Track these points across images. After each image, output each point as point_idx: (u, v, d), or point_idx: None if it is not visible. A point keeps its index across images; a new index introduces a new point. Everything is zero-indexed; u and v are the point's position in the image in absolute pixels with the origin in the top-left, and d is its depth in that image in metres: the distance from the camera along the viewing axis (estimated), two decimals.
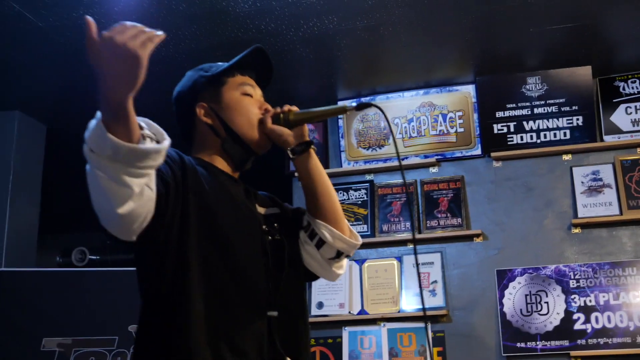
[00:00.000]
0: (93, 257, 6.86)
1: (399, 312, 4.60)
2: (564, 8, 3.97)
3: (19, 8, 3.73)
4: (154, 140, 1.45)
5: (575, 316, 4.31)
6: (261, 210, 1.89)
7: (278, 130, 1.89)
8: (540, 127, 4.69)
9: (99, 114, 1.37)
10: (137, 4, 3.73)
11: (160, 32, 1.35)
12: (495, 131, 4.75)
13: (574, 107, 4.66)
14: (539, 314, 4.37)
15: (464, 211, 4.70)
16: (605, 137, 4.62)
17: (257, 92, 1.96)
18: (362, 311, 4.67)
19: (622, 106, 4.66)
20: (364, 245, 4.74)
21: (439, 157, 4.84)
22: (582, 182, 4.55)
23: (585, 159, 4.63)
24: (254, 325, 1.68)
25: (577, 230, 4.50)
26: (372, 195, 4.90)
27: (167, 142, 1.46)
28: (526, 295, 4.43)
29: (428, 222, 4.73)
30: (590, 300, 4.32)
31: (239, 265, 1.70)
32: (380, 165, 4.93)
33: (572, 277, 4.39)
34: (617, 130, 4.63)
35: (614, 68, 4.69)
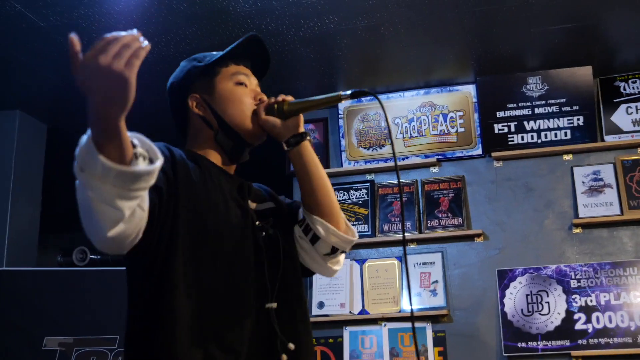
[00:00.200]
0: (94, 256, 6.86)
1: (399, 312, 4.60)
2: (564, 8, 3.97)
3: (20, 8, 3.73)
4: (147, 158, 1.38)
5: (576, 316, 4.31)
6: (255, 205, 1.84)
7: (271, 122, 1.85)
8: (541, 127, 4.69)
9: (89, 131, 1.30)
10: (138, 4, 3.73)
11: (145, 42, 1.27)
12: (496, 131, 4.75)
13: (574, 107, 4.66)
14: (540, 314, 4.37)
15: (464, 211, 4.70)
16: (606, 137, 4.62)
17: (252, 82, 1.92)
18: (362, 311, 4.67)
19: (623, 106, 4.66)
20: (365, 245, 4.76)
21: (440, 157, 4.84)
22: (583, 182, 4.55)
23: (586, 159, 4.63)
24: (246, 321, 1.65)
25: (578, 230, 4.50)
26: (372, 195, 4.90)
27: (159, 162, 1.38)
28: (527, 295, 4.43)
29: (429, 222, 4.73)
30: (591, 300, 4.32)
31: (228, 262, 1.67)
32: (381, 165, 4.93)
33: (573, 277, 4.39)
34: (618, 130, 4.63)
35: (615, 68, 4.69)
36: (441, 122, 4.88)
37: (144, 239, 1.48)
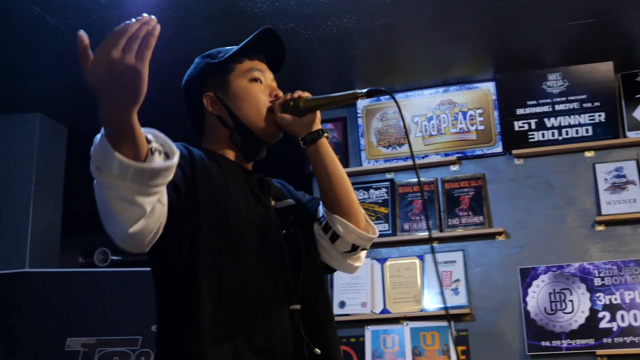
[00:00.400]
0: (115, 257, 6.90)
1: (421, 311, 4.58)
2: (584, 3, 3.93)
3: (39, 10, 3.75)
4: (162, 153, 1.37)
5: (600, 314, 4.27)
6: (275, 203, 1.83)
7: (287, 119, 1.81)
8: (562, 124, 4.65)
9: (102, 130, 1.29)
10: (155, 5, 3.74)
11: (154, 24, 1.24)
12: (516, 128, 4.71)
13: (595, 104, 4.61)
14: (564, 313, 4.33)
15: (485, 209, 4.67)
16: (628, 133, 4.57)
17: (268, 77, 1.89)
18: (384, 310, 4.65)
19: None
20: (385, 244, 4.74)
21: (460, 155, 4.82)
22: (605, 179, 4.51)
23: (608, 155, 4.58)
24: (275, 321, 1.64)
25: (600, 228, 4.46)
26: (392, 193, 4.88)
27: (176, 156, 1.38)
28: (550, 294, 4.39)
29: (449, 220, 4.71)
30: (615, 299, 4.28)
31: (253, 261, 1.66)
32: (401, 163, 4.91)
33: (597, 275, 4.35)
34: None
35: (636, 63, 4.64)
36: (461, 120, 4.85)
37: (165, 236, 1.47)
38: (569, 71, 4.68)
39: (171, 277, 1.59)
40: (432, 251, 1.74)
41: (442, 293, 1.65)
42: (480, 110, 4.83)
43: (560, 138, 4.64)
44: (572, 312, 4.33)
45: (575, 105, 4.64)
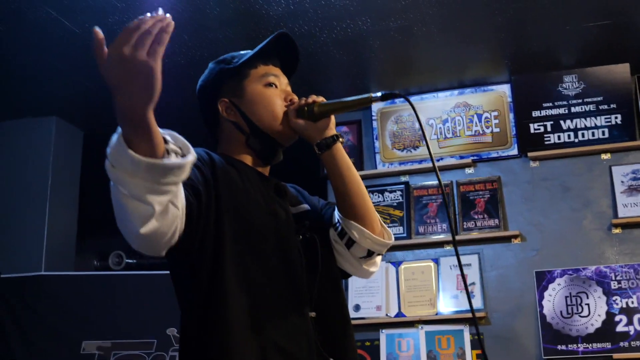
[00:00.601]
0: (130, 260, 6.91)
1: (436, 314, 4.56)
2: (600, 4, 3.92)
3: (56, 14, 3.77)
4: (179, 154, 1.36)
5: (617, 318, 4.24)
6: (292, 208, 1.83)
7: (302, 124, 1.81)
8: (578, 126, 4.62)
9: (119, 128, 1.29)
10: (171, 8, 3.75)
11: (167, 19, 1.22)
12: (532, 131, 4.69)
13: (612, 105, 4.58)
14: (580, 316, 4.30)
15: (501, 212, 4.65)
16: None
17: (283, 81, 1.89)
18: (399, 314, 4.64)
19: None
20: (400, 247, 4.73)
21: (475, 157, 4.80)
22: (622, 182, 4.48)
23: (625, 157, 4.55)
24: (299, 326, 1.64)
25: (617, 231, 4.43)
26: (407, 196, 4.87)
27: (191, 157, 1.36)
28: (566, 297, 4.36)
29: (465, 223, 4.69)
30: (632, 302, 4.25)
31: (277, 267, 1.66)
32: (416, 166, 4.90)
33: (613, 278, 4.32)
34: None
35: None
36: (476, 123, 4.83)
37: (185, 241, 1.47)
38: (585, 73, 4.65)
39: (196, 280, 1.58)
40: (456, 251, 1.71)
41: (467, 294, 1.63)
42: (495, 113, 4.81)
43: (576, 140, 4.61)
44: (588, 315, 4.30)
45: (591, 107, 4.61)
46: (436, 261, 4.69)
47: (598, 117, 4.60)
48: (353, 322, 1.87)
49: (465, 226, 4.68)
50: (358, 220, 1.84)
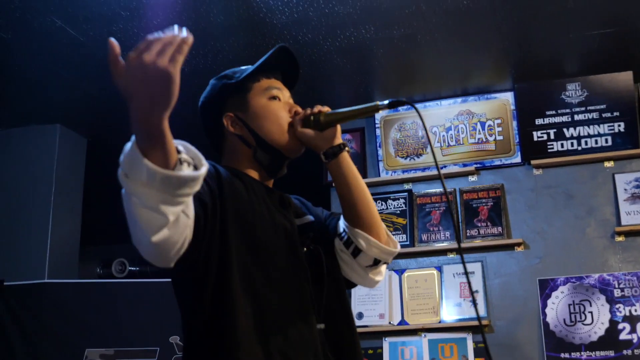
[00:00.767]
0: (133, 268, 6.92)
1: (439, 322, 4.56)
2: (603, 13, 3.92)
3: (61, 23, 3.78)
4: (192, 165, 1.37)
5: (620, 326, 4.24)
6: (297, 220, 1.83)
7: (309, 134, 1.82)
8: (581, 134, 4.62)
9: (133, 137, 1.30)
10: (176, 17, 3.77)
11: (187, 34, 1.26)
12: (535, 138, 4.69)
13: (615, 113, 4.59)
14: (583, 324, 4.30)
15: (504, 220, 4.65)
16: None
17: (285, 94, 1.90)
18: (402, 322, 4.63)
19: None
20: (404, 255, 4.73)
21: (478, 165, 4.80)
22: (625, 189, 4.48)
23: (628, 165, 4.55)
24: (307, 337, 1.64)
25: (620, 238, 4.42)
26: (410, 204, 4.87)
27: (204, 168, 1.38)
28: (569, 305, 4.36)
29: (468, 231, 4.69)
30: (635, 310, 4.24)
31: (282, 279, 1.67)
32: (419, 174, 4.90)
33: (617, 286, 4.31)
34: None
35: None
36: (479, 130, 4.84)
37: (191, 251, 1.47)
38: (588, 81, 4.66)
39: (201, 291, 1.58)
40: (462, 258, 1.71)
41: (474, 301, 1.63)
42: (498, 121, 4.81)
43: (579, 148, 4.61)
44: (591, 323, 4.29)
45: (594, 115, 4.62)
46: (439, 269, 4.69)
47: (601, 125, 4.60)
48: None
49: (468, 234, 4.68)
50: (365, 229, 1.84)
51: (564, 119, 4.66)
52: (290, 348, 1.60)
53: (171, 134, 1.32)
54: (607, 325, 4.26)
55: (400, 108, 5.02)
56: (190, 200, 1.39)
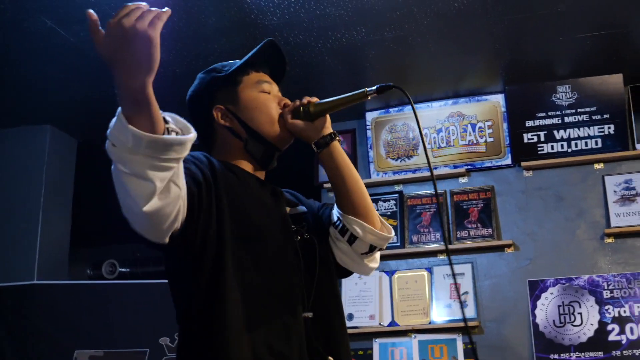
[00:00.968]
0: (123, 269, 6.91)
1: (429, 323, 4.57)
2: (594, 16, 3.94)
3: (52, 24, 3.77)
4: (180, 134, 1.39)
5: (609, 327, 4.26)
6: (288, 209, 1.85)
7: (299, 125, 1.85)
8: (571, 136, 4.64)
9: (119, 108, 1.32)
10: (167, 19, 3.75)
11: (165, 9, 1.29)
12: (526, 140, 4.71)
13: (605, 116, 4.61)
14: (573, 325, 4.32)
15: (494, 221, 4.66)
16: (637, 145, 4.56)
17: (274, 88, 1.92)
18: (392, 323, 4.64)
19: None
20: (394, 257, 4.74)
21: (469, 167, 4.82)
22: (615, 191, 4.50)
23: (618, 167, 4.57)
24: (293, 328, 1.65)
25: (610, 240, 4.44)
26: (401, 206, 4.88)
27: (192, 134, 1.40)
28: (559, 306, 4.38)
29: (458, 232, 4.70)
30: (624, 311, 4.26)
31: (274, 269, 1.68)
32: (410, 175, 4.91)
33: (606, 287, 4.33)
34: None
35: None
36: (470, 132, 4.85)
37: (186, 228, 1.49)
38: (579, 83, 4.68)
39: (196, 279, 1.60)
40: (449, 260, 1.73)
41: (460, 303, 1.66)
42: (489, 122, 4.83)
43: (569, 150, 4.63)
44: (581, 324, 4.31)
45: (584, 117, 4.64)
46: (429, 270, 4.70)
47: (591, 127, 4.62)
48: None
49: (458, 235, 4.69)
50: (359, 216, 1.87)
51: (554, 121, 4.68)
52: (275, 336, 1.61)
53: (157, 102, 1.33)
54: (596, 326, 4.28)
55: (391, 110, 5.03)
56: (179, 169, 1.40)
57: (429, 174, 4.83)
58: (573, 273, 4.44)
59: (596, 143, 4.59)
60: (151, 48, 1.27)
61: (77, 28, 3.83)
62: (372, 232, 1.87)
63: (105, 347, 4.34)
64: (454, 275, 1.73)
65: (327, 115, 1.89)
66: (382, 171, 4.99)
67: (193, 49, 4.09)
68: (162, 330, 4.29)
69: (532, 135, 4.70)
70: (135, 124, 1.30)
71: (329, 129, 1.89)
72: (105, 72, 4.65)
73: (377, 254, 1.96)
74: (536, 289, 4.45)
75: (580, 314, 4.33)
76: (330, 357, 1.70)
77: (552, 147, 4.66)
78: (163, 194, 1.35)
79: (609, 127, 4.59)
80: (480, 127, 4.84)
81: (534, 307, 4.42)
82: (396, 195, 4.91)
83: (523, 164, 4.69)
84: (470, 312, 4.53)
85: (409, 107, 4.98)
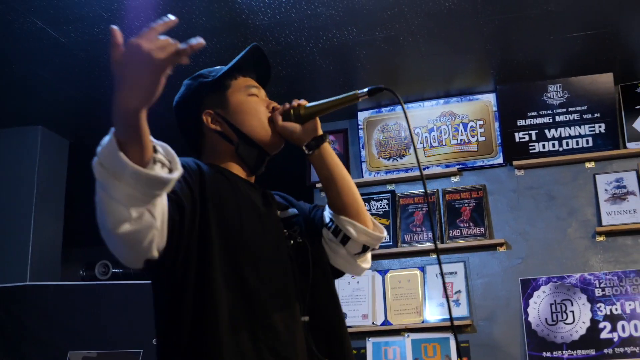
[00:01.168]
0: (116, 270, 6.89)
1: (422, 322, 4.57)
2: (584, 15, 3.95)
3: (42, 24, 3.77)
4: (166, 167, 1.39)
5: (601, 325, 4.27)
6: (279, 213, 1.85)
7: (290, 127, 1.85)
8: (562, 135, 4.66)
9: (112, 129, 1.32)
10: (157, 19, 3.75)
11: (200, 41, 1.30)
12: (517, 140, 4.72)
13: (596, 115, 4.62)
14: (565, 323, 4.33)
15: (486, 220, 4.67)
16: (628, 144, 4.58)
17: (262, 92, 1.93)
18: (385, 322, 4.65)
19: None
20: (387, 256, 4.75)
21: (461, 166, 4.83)
22: (606, 190, 4.51)
23: (609, 166, 4.59)
24: (293, 332, 1.65)
25: (601, 238, 4.46)
26: (393, 205, 4.88)
27: (177, 173, 1.39)
28: (551, 305, 4.39)
29: (450, 231, 4.71)
30: (616, 309, 4.28)
31: (268, 273, 1.67)
32: (402, 175, 4.92)
33: (598, 285, 4.35)
34: None
35: (636, 74, 4.66)
36: (461, 132, 4.86)
37: (166, 256, 1.48)
38: (569, 82, 4.69)
39: (181, 289, 1.58)
40: (439, 260, 1.74)
41: (448, 302, 1.65)
42: (481, 122, 4.84)
43: (560, 149, 4.65)
44: (573, 322, 4.32)
45: (575, 116, 4.65)
46: (422, 269, 4.71)
47: (582, 126, 4.64)
48: None
49: (451, 234, 4.70)
50: (351, 217, 1.87)
51: (546, 120, 4.70)
52: (275, 341, 1.60)
53: (150, 132, 1.34)
54: (588, 324, 4.30)
55: (383, 109, 5.04)
56: (158, 201, 1.39)
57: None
58: (565, 271, 4.45)
59: (587, 142, 4.61)
60: (158, 79, 1.28)
61: (67, 28, 3.82)
62: (365, 232, 1.87)
63: (98, 348, 4.33)
64: (442, 274, 1.72)
65: (317, 118, 1.89)
66: (374, 171, 4.99)
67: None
68: (155, 330, 4.28)
69: (523, 135, 4.71)
70: (125, 149, 1.30)
71: (319, 130, 1.89)
72: (95, 73, 4.64)
73: (369, 254, 1.96)
74: (528, 287, 4.46)
75: (572, 312, 4.35)
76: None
77: (544, 146, 4.67)
78: (135, 221, 1.35)
79: (600, 126, 4.61)
80: (471, 127, 4.85)
81: (527, 305, 4.43)
82: (388, 194, 4.92)
83: (515, 163, 4.70)
84: (462, 311, 4.54)
85: (401, 106, 4.97)
